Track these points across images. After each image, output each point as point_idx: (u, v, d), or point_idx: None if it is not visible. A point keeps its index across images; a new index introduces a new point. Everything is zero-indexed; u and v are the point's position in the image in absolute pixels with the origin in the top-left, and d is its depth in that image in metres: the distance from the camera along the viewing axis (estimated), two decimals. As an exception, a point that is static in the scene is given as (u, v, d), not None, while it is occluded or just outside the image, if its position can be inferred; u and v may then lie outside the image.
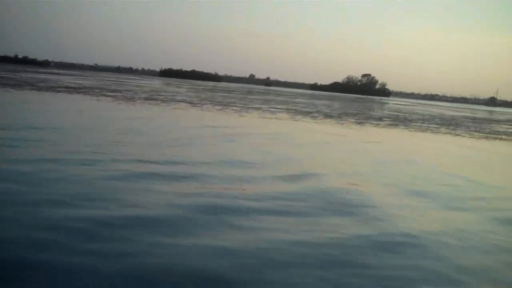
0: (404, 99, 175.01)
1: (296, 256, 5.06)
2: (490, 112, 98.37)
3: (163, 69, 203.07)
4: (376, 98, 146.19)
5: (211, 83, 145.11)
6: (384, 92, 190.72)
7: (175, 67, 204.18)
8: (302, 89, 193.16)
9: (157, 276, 4.32)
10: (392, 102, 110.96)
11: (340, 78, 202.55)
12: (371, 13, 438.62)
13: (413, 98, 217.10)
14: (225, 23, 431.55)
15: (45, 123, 14.78)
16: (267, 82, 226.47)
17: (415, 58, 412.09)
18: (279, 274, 4.57)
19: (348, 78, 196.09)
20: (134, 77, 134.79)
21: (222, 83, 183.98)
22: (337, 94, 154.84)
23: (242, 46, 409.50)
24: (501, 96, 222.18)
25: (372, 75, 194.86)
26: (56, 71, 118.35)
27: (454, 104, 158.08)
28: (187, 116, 22.60)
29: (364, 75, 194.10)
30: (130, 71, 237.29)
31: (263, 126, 20.49)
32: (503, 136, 27.37)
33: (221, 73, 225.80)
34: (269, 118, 25.03)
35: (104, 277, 4.22)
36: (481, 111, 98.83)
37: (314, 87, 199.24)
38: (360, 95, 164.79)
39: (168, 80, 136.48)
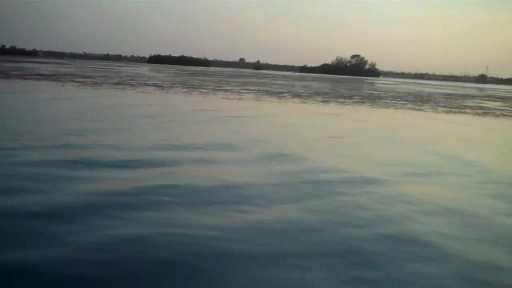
0: (394, 79, 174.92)
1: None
2: (480, 89, 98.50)
3: (152, 55, 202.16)
4: (365, 78, 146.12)
5: (199, 68, 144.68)
6: (374, 72, 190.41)
7: (164, 53, 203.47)
8: (292, 72, 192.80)
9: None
10: (379, 82, 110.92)
11: (329, 59, 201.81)
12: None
13: (403, 77, 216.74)
14: (214, 7, 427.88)
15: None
16: (257, 65, 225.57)
17: (404, 38, 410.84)
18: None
19: (337, 59, 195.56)
20: (122, 64, 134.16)
21: (212, 68, 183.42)
22: (326, 75, 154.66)
23: (231, 30, 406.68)
24: (491, 73, 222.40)
25: (362, 55, 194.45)
26: (42, 60, 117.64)
27: (444, 83, 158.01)
28: (143, 99, 22.59)
29: (353, 56, 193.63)
30: (119, 58, 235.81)
31: (215, 106, 20.57)
32: (467, 110, 27.53)
33: (210, 58, 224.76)
34: (231, 99, 25.10)
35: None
36: (469, 88, 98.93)
37: (304, 69, 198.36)
38: (349, 75, 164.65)
39: (156, 66, 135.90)
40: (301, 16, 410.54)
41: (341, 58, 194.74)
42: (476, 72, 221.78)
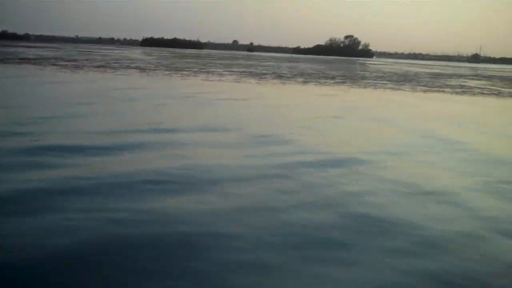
0: (387, 59, 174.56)
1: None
2: (471, 68, 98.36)
3: (144, 38, 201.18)
4: (358, 59, 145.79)
5: (193, 51, 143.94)
6: (367, 53, 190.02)
7: (157, 36, 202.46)
8: (286, 53, 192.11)
9: None
10: (371, 62, 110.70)
11: (323, 40, 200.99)
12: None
13: (397, 58, 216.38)
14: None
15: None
16: (250, 47, 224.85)
17: (398, 18, 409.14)
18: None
19: (330, 40, 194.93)
20: (113, 47, 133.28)
21: (205, 50, 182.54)
22: (319, 56, 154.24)
23: (225, 11, 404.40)
24: (485, 53, 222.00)
25: (355, 36, 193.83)
26: (32, 44, 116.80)
27: (437, 62, 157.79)
28: (117, 81, 22.58)
29: (346, 37, 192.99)
30: (112, 41, 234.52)
31: (192, 88, 20.59)
32: (446, 89, 27.62)
33: (204, 40, 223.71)
34: (210, 81, 25.13)
35: None
36: (461, 67, 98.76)
37: (297, 50, 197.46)
38: (343, 56, 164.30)
39: (148, 49, 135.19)
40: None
41: (334, 39, 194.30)
42: (470, 52, 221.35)
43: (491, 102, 21.78)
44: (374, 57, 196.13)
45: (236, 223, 4.83)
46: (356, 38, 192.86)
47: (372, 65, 78.26)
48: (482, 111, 17.79)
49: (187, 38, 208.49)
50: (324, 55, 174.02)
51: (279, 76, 32.14)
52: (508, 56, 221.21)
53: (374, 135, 10.88)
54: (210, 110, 13.76)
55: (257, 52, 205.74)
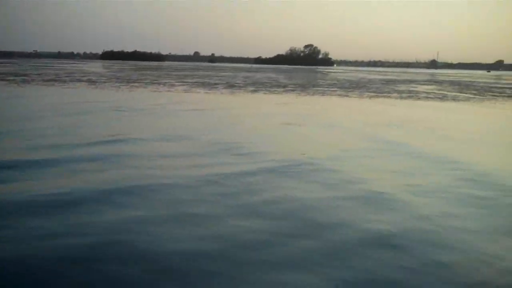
0: (348, 67, 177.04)
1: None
2: (427, 74, 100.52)
3: (104, 51, 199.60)
4: (317, 67, 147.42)
5: (154, 63, 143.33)
6: (327, 61, 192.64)
7: (117, 49, 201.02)
8: (248, 64, 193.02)
9: None
10: (330, 70, 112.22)
11: (283, 50, 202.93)
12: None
13: (357, 65, 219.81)
14: (168, 0, 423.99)
15: None
16: (212, 58, 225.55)
17: (359, 27, 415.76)
18: None
19: (291, 49, 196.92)
20: (72, 62, 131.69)
21: (166, 62, 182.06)
22: (282, 66, 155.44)
23: (185, 23, 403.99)
24: (442, 59, 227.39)
25: (315, 45, 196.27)
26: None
27: (396, 69, 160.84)
28: (62, 95, 22.43)
29: (306, 46, 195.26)
30: (71, 56, 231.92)
31: (134, 100, 20.55)
32: (393, 95, 28.18)
33: (165, 52, 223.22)
34: (159, 92, 25.13)
35: None
36: (417, 74, 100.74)
37: (259, 60, 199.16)
38: (303, 66, 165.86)
39: (108, 62, 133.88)
40: (256, 8, 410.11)
41: (295, 48, 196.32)
42: (428, 58, 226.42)
43: (433, 105, 22.33)
44: (335, 65, 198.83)
45: (165, 233, 4.84)
46: (316, 47, 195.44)
47: (330, 74, 79.35)
48: (424, 114, 18.19)
49: (148, 51, 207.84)
50: (285, 64, 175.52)
51: (231, 86, 32.31)
52: (465, 61, 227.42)
53: (300, 140, 11.07)
54: (148, 120, 13.80)
55: (220, 63, 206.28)
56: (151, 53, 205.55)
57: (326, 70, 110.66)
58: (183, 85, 31.84)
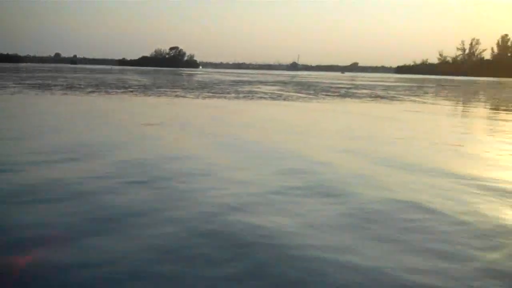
0: (213, 69, 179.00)
1: None
2: (289, 76, 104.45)
3: None
4: (183, 69, 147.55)
5: (8, 65, 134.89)
6: (193, 63, 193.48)
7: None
8: (111, 65, 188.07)
9: None
10: (191, 72, 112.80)
11: (149, 52, 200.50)
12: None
13: (223, 67, 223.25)
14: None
15: None
16: (74, 60, 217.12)
17: (224, 29, 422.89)
18: None
19: (156, 51, 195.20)
20: None
21: (23, 64, 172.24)
22: (147, 68, 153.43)
23: (46, 24, 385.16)
24: (302, 61, 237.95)
25: (180, 47, 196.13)
26: None
27: (259, 71, 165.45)
28: None
29: (171, 48, 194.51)
30: None
31: None
32: (230, 95, 29.09)
33: (23, 54, 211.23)
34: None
35: None
36: (276, 75, 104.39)
37: (123, 62, 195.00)
38: (168, 67, 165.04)
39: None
40: (119, 7, 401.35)
41: (160, 50, 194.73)
42: (289, 61, 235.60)
43: (265, 104, 23.39)
44: (200, 67, 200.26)
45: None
46: (181, 50, 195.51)
47: (189, 75, 79.85)
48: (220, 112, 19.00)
49: (4, 52, 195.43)
50: (150, 66, 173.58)
51: (70, 88, 31.45)
52: (323, 64, 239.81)
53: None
54: None
55: (82, 64, 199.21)
56: (8, 54, 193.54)
57: (188, 72, 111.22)
58: (15, 87, 30.44)
